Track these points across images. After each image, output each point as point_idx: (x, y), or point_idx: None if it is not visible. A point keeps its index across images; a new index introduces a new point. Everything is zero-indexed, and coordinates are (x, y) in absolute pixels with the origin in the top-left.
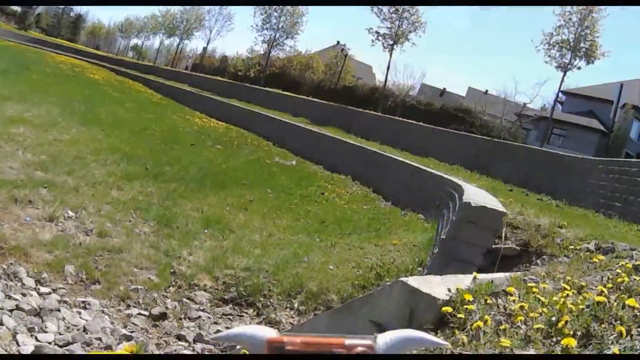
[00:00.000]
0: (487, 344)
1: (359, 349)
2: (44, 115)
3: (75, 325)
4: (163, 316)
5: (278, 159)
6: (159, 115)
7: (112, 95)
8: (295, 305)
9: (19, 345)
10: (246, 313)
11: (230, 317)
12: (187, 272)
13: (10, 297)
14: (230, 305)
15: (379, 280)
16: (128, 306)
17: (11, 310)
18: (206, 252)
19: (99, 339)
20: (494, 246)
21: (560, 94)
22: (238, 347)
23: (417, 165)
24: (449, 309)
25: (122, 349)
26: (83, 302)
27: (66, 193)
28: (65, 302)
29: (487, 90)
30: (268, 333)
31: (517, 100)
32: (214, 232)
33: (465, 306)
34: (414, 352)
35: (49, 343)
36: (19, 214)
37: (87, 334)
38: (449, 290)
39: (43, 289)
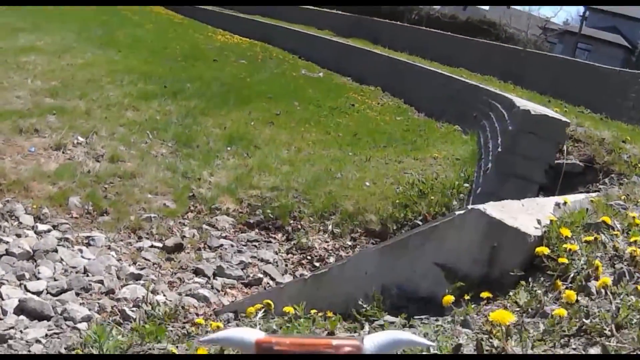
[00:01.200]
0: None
1: (347, 349)
2: (57, 42)
3: (74, 267)
4: (179, 247)
5: (304, 71)
6: (179, 34)
7: (132, 19)
8: (329, 227)
9: (2, 298)
10: (274, 238)
11: (257, 243)
12: (208, 195)
13: (1, 241)
14: (256, 230)
15: (423, 198)
16: (139, 238)
17: (1, 256)
18: (229, 171)
19: (100, 281)
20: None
21: (584, 9)
22: None
23: (449, 74)
24: (545, 250)
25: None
26: (87, 237)
27: (76, 118)
28: (66, 239)
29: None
30: (256, 334)
31: (540, 14)
32: (238, 149)
33: (565, 245)
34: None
35: (40, 293)
36: (23, 145)
37: (87, 276)
38: (539, 222)
39: (41, 227)
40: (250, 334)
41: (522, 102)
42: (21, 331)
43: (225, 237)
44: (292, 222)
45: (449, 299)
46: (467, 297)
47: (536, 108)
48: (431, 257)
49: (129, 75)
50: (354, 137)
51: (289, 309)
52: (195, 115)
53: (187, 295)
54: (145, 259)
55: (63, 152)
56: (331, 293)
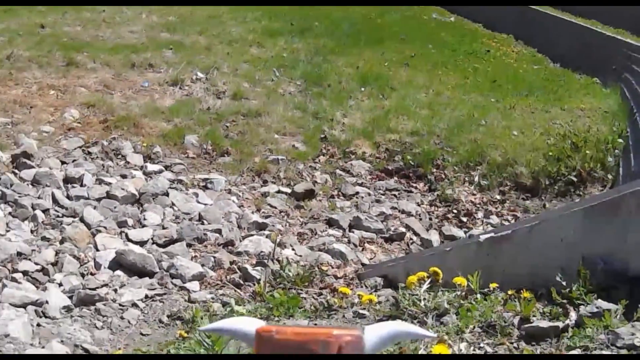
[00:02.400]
0: None
1: (347, 338)
2: None
3: (187, 214)
4: (310, 194)
5: (435, 15)
6: None
7: None
8: (476, 179)
9: (97, 249)
10: (415, 188)
11: (396, 192)
12: (341, 138)
13: (101, 182)
14: (395, 178)
15: (576, 151)
16: (264, 182)
17: (99, 199)
18: (364, 113)
19: (218, 231)
20: None
21: None
22: None
23: (583, 24)
24: None
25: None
26: (204, 180)
27: (196, 53)
28: (179, 181)
29: None
30: (257, 324)
31: None
32: (372, 90)
33: None
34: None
35: (143, 243)
36: (135, 80)
37: (202, 224)
38: None
39: (151, 167)
40: (251, 324)
41: None
42: (115, 290)
43: (361, 185)
44: (434, 170)
45: None
46: None
47: None
48: None
49: (252, 13)
50: (494, 83)
51: (460, 279)
52: (324, 54)
53: (319, 250)
54: (271, 206)
55: (180, 88)
56: (512, 262)
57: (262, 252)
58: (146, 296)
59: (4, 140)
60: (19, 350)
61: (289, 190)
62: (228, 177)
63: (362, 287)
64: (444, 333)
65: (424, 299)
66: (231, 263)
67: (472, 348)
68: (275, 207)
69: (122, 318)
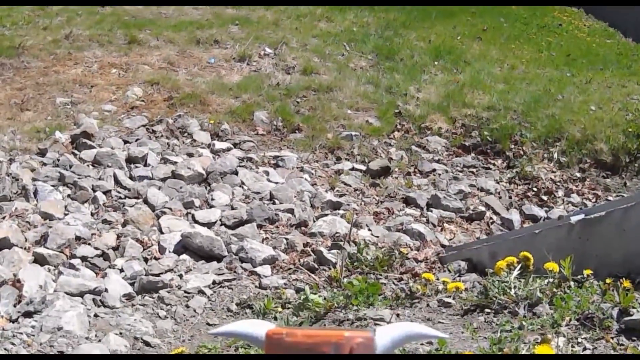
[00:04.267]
0: None
1: (358, 339)
2: None
3: (258, 193)
4: (385, 171)
5: None
6: None
7: None
8: (555, 155)
9: (161, 231)
10: (493, 164)
11: (474, 169)
12: (416, 113)
13: (166, 162)
14: (473, 155)
15: None
16: (337, 159)
17: (164, 179)
18: (438, 87)
19: (290, 210)
20: None
21: None
22: None
23: None
24: None
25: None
26: (275, 157)
27: (263, 28)
28: (249, 159)
29: None
30: (267, 326)
31: None
32: (446, 64)
33: None
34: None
35: (211, 224)
36: (200, 57)
37: (273, 204)
38: None
39: (219, 145)
40: (261, 326)
41: None
42: (180, 276)
43: (437, 161)
44: (512, 146)
45: None
46: None
47: None
48: None
49: None
50: (568, 57)
51: (552, 265)
52: (395, 27)
53: (397, 230)
54: (345, 184)
55: (248, 64)
56: (605, 247)
57: (337, 233)
58: (214, 282)
59: (63, 121)
60: (73, 345)
61: (363, 168)
62: (300, 154)
63: (444, 271)
64: (539, 326)
65: (515, 286)
66: (305, 245)
67: (570, 345)
68: (350, 185)
69: (187, 306)
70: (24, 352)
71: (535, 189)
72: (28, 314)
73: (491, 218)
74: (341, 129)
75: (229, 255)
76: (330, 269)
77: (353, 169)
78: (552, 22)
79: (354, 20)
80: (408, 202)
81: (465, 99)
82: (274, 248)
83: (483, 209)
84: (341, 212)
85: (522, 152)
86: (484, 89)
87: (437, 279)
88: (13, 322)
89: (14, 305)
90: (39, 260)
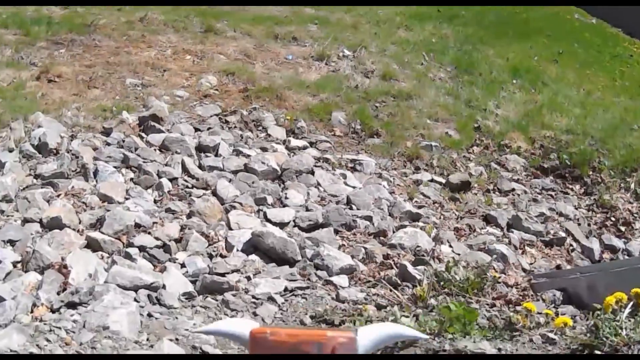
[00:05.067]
0: None
1: (341, 339)
2: None
3: (335, 196)
4: (465, 186)
5: (577, 15)
6: None
7: None
8: (632, 185)
9: (230, 227)
10: (571, 189)
11: (552, 192)
12: (495, 129)
13: (239, 154)
14: (551, 177)
15: None
16: (416, 169)
17: (235, 172)
18: (517, 105)
19: (368, 218)
20: None
21: None
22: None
23: None
24: None
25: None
26: (352, 161)
27: (342, 30)
28: (325, 160)
29: None
30: (251, 325)
31: None
32: (524, 83)
33: None
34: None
35: (284, 225)
36: (278, 52)
37: (350, 209)
38: None
39: (295, 142)
40: (245, 325)
41: None
42: (248, 278)
43: (517, 181)
44: (591, 173)
45: None
46: None
47: None
48: None
49: None
50: None
51: None
52: (473, 42)
53: (479, 249)
54: (425, 196)
55: (326, 64)
56: None
57: (418, 246)
58: (285, 289)
59: (131, 102)
60: (119, 349)
61: (442, 180)
62: (378, 160)
63: (537, 299)
64: None
65: (626, 327)
66: (385, 257)
67: None
68: (429, 197)
69: (254, 314)
70: (59, 351)
71: (613, 219)
72: (72, 305)
73: (571, 245)
74: (420, 139)
75: (302, 260)
76: (414, 286)
77: (432, 180)
78: (623, 52)
79: (432, 31)
80: (488, 220)
81: (544, 119)
82: (353, 257)
83: (563, 234)
84: (420, 224)
85: (599, 180)
86: (561, 112)
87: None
88: (54, 312)
89: (58, 293)
90: (92, 245)
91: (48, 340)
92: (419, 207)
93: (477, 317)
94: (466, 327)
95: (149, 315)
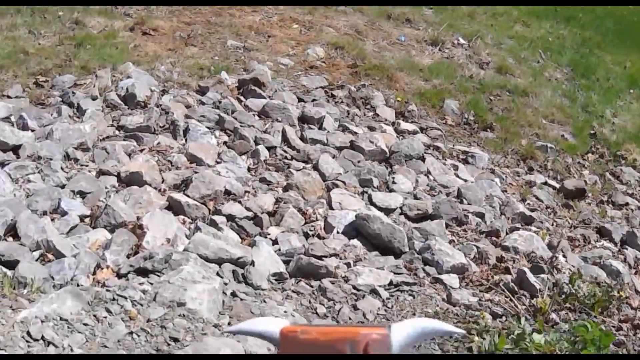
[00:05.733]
0: None
1: (374, 336)
2: None
3: (445, 187)
4: (580, 193)
5: None
6: None
7: None
8: None
9: (331, 206)
10: None
11: None
12: (612, 138)
13: (345, 130)
14: None
15: None
16: (529, 170)
17: (340, 148)
18: (634, 116)
19: (480, 214)
20: None
21: None
22: None
23: None
24: None
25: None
26: (464, 152)
27: (457, 18)
28: (436, 148)
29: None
30: (281, 324)
31: None
32: None
33: None
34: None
35: (390, 211)
36: (391, 32)
37: (461, 202)
38: None
39: (405, 125)
40: (276, 324)
41: None
42: (348, 265)
43: (631, 195)
44: None
45: None
46: None
47: None
48: None
49: None
50: None
51: None
52: (591, 46)
53: (593, 263)
54: (538, 199)
55: (440, 50)
56: None
57: (533, 252)
58: (390, 282)
59: (231, 63)
60: (194, 331)
61: (556, 185)
62: (490, 155)
63: None
64: None
65: None
66: (498, 260)
67: None
68: (542, 201)
69: (354, 308)
70: (121, 326)
71: None
72: (143, 272)
73: None
74: (535, 138)
75: (409, 252)
76: (532, 295)
77: (546, 183)
78: None
79: (549, 30)
80: (602, 233)
81: None
82: (465, 255)
83: None
84: (533, 228)
85: None
86: None
87: None
88: (120, 278)
89: (127, 257)
90: (174, 207)
91: (109, 312)
92: (532, 210)
93: (612, 341)
94: (600, 351)
95: (233, 294)
